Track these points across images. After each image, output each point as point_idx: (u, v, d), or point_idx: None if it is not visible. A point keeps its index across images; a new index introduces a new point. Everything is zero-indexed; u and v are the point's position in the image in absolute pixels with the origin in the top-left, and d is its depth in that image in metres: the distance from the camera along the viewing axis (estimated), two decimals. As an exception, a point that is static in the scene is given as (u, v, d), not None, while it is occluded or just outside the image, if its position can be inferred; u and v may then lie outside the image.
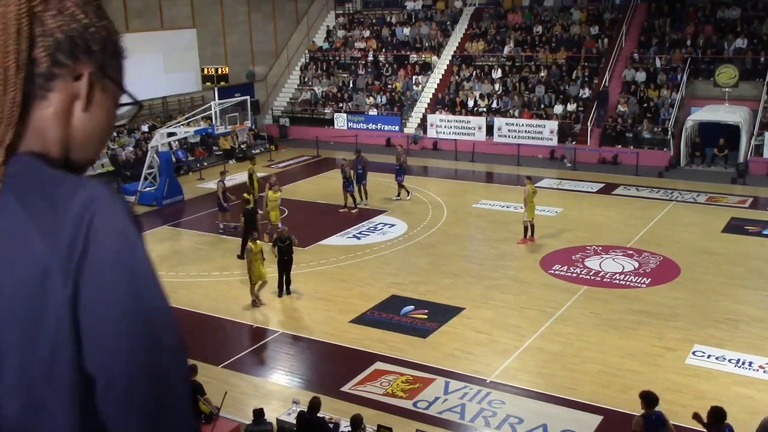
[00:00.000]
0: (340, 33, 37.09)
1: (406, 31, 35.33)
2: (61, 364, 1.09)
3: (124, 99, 1.41)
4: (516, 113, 29.89)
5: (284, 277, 16.05)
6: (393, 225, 20.86)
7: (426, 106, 32.17)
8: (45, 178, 1.13)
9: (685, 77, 28.13)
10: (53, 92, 1.17)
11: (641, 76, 29.19)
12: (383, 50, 35.24)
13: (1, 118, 1.12)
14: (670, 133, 26.94)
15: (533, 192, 18.80)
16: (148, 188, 24.23)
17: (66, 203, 1.10)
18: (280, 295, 16.06)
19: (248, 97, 27.09)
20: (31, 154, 1.16)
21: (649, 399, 8.59)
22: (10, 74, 1.12)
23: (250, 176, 21.90)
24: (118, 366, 1.11)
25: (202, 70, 29.76)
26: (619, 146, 27.55)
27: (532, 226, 18.99)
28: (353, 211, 21.93)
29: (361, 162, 22.99)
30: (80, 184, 1.13)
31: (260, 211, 19.74)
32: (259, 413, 10.11)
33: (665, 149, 26.89)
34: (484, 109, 30.61)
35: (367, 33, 36.40)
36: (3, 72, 1.12)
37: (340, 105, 33.41)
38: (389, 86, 33.39)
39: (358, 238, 19.95)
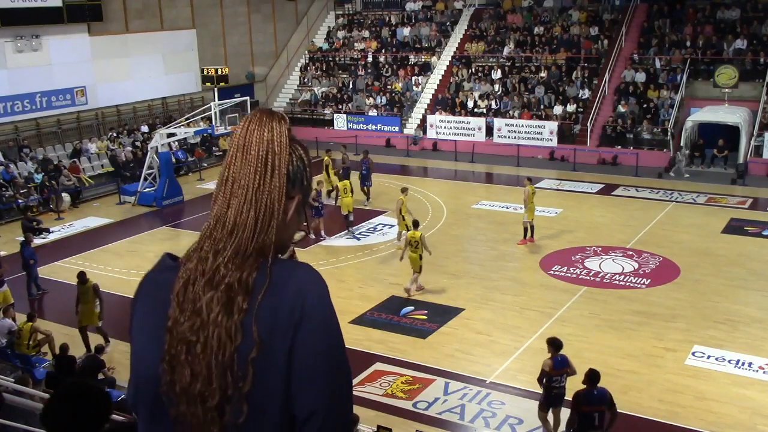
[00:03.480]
0: (340, 34, 37.10)
1: (406, 31, 35.34)
2: (277, 396, 1.70)
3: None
4: (516, 114, 29.91)
5: None
6: (393, 226, 20.85)
7: (426, 106, 32.18)
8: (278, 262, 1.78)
9: (684, 78, 28.14)
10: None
11: (641, 77, 29.21)
12: (383, 51, 35.26)
13: (268, 227, 1.77)
14: (669, 133, 26.95)
15: (533, 193, 18.79)
16: (147, 189, 24.23)
17: (288, 279, 1.73)
18: None
19: (248, 98, 27.08)
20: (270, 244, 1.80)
21: (556, 344, 10.39)
22: (278, 199, 1.77)
23: (327, 167, 23.17)
24: (317, 398, 1.70)
25: (202, 71, 29.77)
26: (619, 147, 27.57)
27: (532, 227, 19.00)
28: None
29: (366, 163, 23.00)
30: (297, 266, 1.78)
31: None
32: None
33: (665, 150, 26.90)
34: (484, 110, 30.62)
35: (366, 34, 36.42)
36: (274, 202, 1.78)
37: (340, 106, 33.43)
38: (389, 87, 33.40)
39: (358, 239, 19.95)
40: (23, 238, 17.53)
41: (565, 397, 10.24)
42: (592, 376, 9.50)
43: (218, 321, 1.69)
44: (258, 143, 1.77)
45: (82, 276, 13.92)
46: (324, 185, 21.65)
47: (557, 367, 10.24)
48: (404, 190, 19.02)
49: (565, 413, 10.19)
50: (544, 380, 10.32)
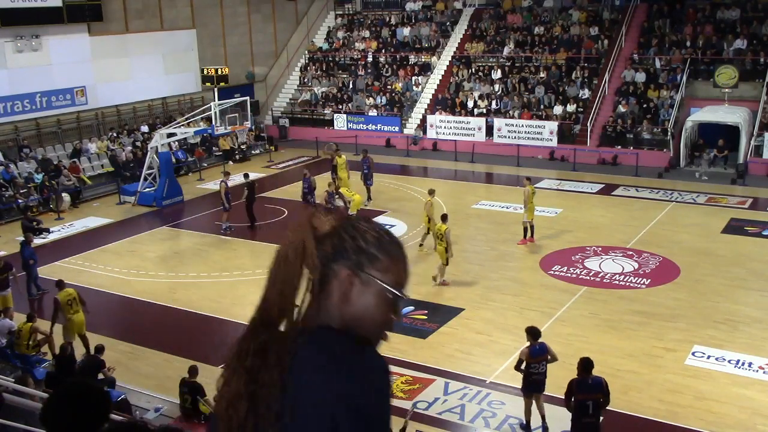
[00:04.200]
0: (340, 34, 37.10)
1: (406, 31, 35.33)
2: None
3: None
4: (516, 114, 29.90)
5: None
6: (393, 226, 20.85)
7: (426, 106, 32.18)
8: (332, 341, 1.72)
9: (684, 78, 28.13)
10: (330, 285, 1.75)
11: (641, 77, 29.20)
12: (383, 51, 35.26)
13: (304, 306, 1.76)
14: (669, 133, 26.95)
15: (533, 193, 18.80)
16: (147, 189, 24.23)
17: (353, 362, 1.69)
18: None
19: (248, 98, 27.07)
20: (322, 327, 1.75)
21: (534, 333, 10.72)
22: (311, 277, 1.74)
23: (335, 167, 23.37)
24: None
25: (202, 71, 29.79)
26: (619, 147, 27.57)
27: (532, 227, 19.00)
28: None
29: (367, 162, 23.06)
30: (362, 351, 1.73)
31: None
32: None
33: (665, 150, 26.90)
34: (484, 110, 30.62)
35: (366, 34, 36.41)
36: (306, 277, 1.75)
37: (340, 106, 33.42)
38: (389, 87, 33.40)
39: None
40: (23, 238, 17.53)
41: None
42: (585, 365, 9.54)
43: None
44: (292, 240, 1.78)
45: (61, 283, 13.78)
46: (333, 186, 21.59)
47: (534, 355, 10.62)
48: (431, 192, 18.86)
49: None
50: (522, 366, 10.72)
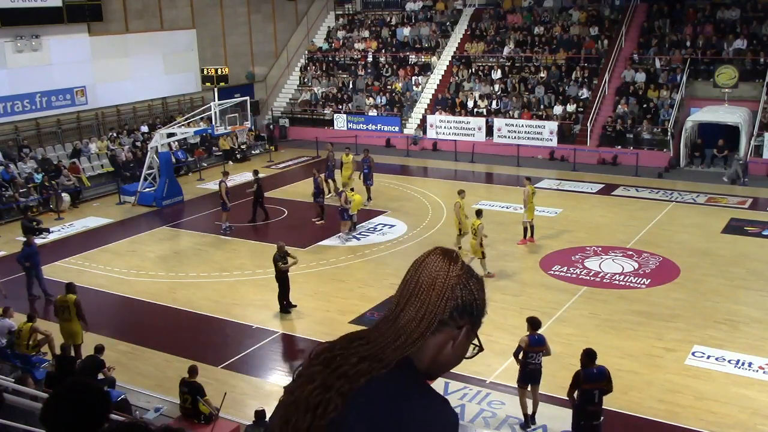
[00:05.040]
0: (340, 34, 37.10)
1: (406, 31, 35.33)
2: None
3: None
4: (516, 114, 29.90)
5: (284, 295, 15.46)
6: (393, 225, 20.87)
7: (426, 106, 32.18)
8: (418, 378, 1.84)
9: (684, 78, 28.13)
10: (442, 332, 1.83)
11: (641, 77, 29.20)
12: (383, 51, 35.26)
13: (410, 339, 1.80)
14: (669, 133, 26.95)
15: (533, 193, 18.81)
16: (147, 189, 24.23)
17: (437, 414, 1.78)
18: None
19: (248, 98, 27.07)
20: (407, 362, 1.81)
21: (534, 323, 11.09)
22: (432, 317, 1.80)
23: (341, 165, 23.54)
24: None
25: (202, 71, 29.78)
26: (619, 147, 27.57)
27: (532, 227, 19.00)
28: (319, 222, 21.35)
29: (367, 161, 23.06)
30: (438, 396, 1.82)
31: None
32: (260, 415, 10.09)
33: (665, 150, 26.90)
34: (484, 110, 30.62)
35: (366, 34, 36.41)
36: (429, 314, 1.80)
37: (340, 106, 33.42)
38: (389, 87, 33.40)
39: (358, 239, 19.96)
40: (24, 239, 17.55)
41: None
42: (591, 355, 9.90)
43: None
44: (429, 275, 1.84)
45: (68, 286, 13.72)
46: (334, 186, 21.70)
47: (533, 344, 10.88)
48: (461, 192, 18.61)
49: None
50: (520, 355, 10.90)
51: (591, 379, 9.79)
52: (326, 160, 24.73)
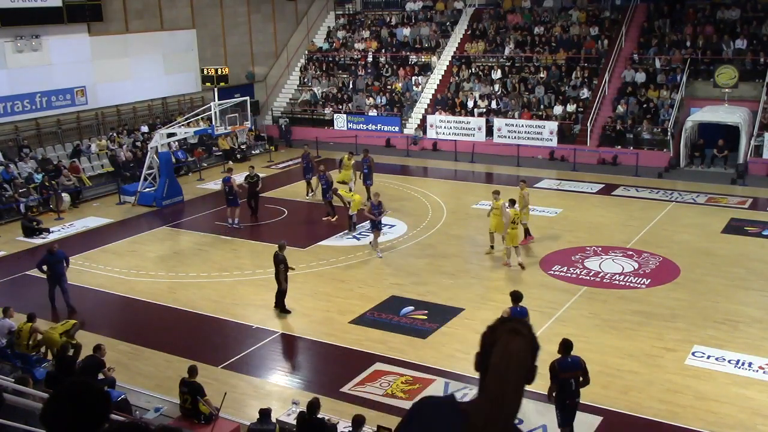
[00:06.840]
0: (340, 34, 37.10)
1: (406, 31, 35.33)
2: None
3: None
4: (516, 114, 29.90)
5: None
6: (393, 226, 20.86)
7: (426, 106, 32.18)
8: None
9: (684, 78, 28.14)
10: None
11: (641, 77, 29.20)
12: (383, 51, 35.26)
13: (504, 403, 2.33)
14: (669, 133, 26.95)
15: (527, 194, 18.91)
16: (147, 189, 24.23)
17: None
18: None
19: (248, 98, 27.07)
20: None
21: (515, 296, 12.03)
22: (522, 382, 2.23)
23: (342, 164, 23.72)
24: None
25: (202, 71, 29.77)
26: (619, 147, 27.57)
27: (527, 228, 19.02)
28: (333, 219, 21.36)
29: (367, 162, 23.04)
30: None
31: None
32: (265, 413, 10.09)
33: (665, 150, 26.90)
34: (484, 110, 30.62)
35: (366, 34, 36.41)
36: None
37: (340, 106, 33.42)
38: (389, 87, 33.40)
39: (358, 239, 19.95)
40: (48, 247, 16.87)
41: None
42: (567, 345, 10.23)
43: None
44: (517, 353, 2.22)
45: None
46: (379, 196, 21.17)
47: (514, 315, 11.00)
48: (496, 194, 18.40)
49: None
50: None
51: (566, 368, 10.03)
52: (302, 160, 24.60)
